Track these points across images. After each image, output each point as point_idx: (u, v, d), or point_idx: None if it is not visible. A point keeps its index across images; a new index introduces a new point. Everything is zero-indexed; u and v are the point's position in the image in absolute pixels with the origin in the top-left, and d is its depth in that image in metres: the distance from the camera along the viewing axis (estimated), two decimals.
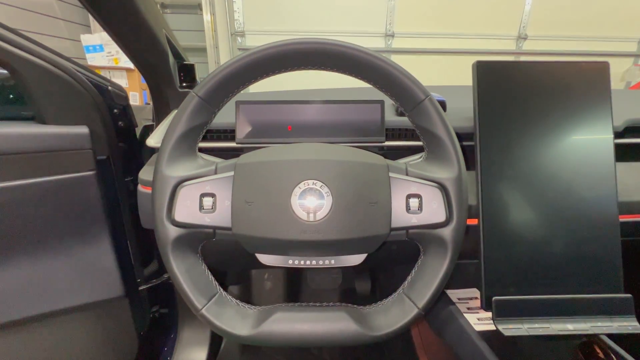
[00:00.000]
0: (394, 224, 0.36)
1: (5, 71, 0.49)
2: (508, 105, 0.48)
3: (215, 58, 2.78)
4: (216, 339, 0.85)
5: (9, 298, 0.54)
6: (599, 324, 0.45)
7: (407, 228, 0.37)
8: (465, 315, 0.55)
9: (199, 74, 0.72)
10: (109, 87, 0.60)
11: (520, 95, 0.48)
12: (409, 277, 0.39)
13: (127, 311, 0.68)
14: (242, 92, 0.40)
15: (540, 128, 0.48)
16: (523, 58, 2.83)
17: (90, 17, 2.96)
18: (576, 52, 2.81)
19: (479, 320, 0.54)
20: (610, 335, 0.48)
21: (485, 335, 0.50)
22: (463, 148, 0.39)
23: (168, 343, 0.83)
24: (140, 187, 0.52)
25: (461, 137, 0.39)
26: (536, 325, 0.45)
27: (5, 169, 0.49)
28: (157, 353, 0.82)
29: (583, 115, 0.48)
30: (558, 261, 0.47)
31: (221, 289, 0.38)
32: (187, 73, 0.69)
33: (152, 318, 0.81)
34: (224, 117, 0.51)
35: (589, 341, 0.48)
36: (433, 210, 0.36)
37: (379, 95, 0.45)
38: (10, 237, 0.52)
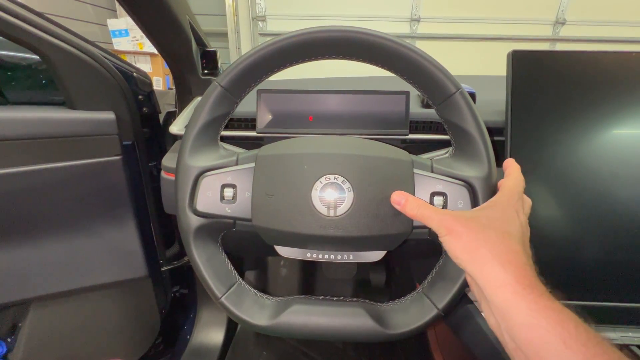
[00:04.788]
0: (416, 222, 0.35)
1: (37, 56, 0.51)
2: (545, 99, 0.45)
3: (236, 43, 2.77)
4: (233, 321, 0.88)
5: (45, 273, 0.58)
6: (630, 334, 0.43)
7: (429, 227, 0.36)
8: (482, 314, 0.54)
9: (220, 60, 0.72)
10: (134, 74, 0.61)
11: (559, 88, 0.45)
12: (429, 277, 0.38)
13: (150, 290, 0.72)
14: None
15: (581, 124, 0.44)
16: (560, 45, 2.64)
17: (116, 2, 3.00)
18: (623, 40, 2.56)
19: None
20: None
21: None
22: (492, 144, 0.37)
23: (187, 322, 0.87)
24: (163, 174, 0.53)
25: (490, 131, 0.37)
26: None
27: (38, 153, 0.51)
28: (177, 331, 0.86)
29: (632, 112, 0.44)
30: (588, 267, 0.44)
31: (240, 279, 0.39)
32: (209, 60, 0.68)
33: (173, 298, 0.84)
34: (245, 105, 0.51)
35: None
36: (458, 209, 0.35)
37: (402, 84, 0.43)
38: (42, 217, 0.55)
